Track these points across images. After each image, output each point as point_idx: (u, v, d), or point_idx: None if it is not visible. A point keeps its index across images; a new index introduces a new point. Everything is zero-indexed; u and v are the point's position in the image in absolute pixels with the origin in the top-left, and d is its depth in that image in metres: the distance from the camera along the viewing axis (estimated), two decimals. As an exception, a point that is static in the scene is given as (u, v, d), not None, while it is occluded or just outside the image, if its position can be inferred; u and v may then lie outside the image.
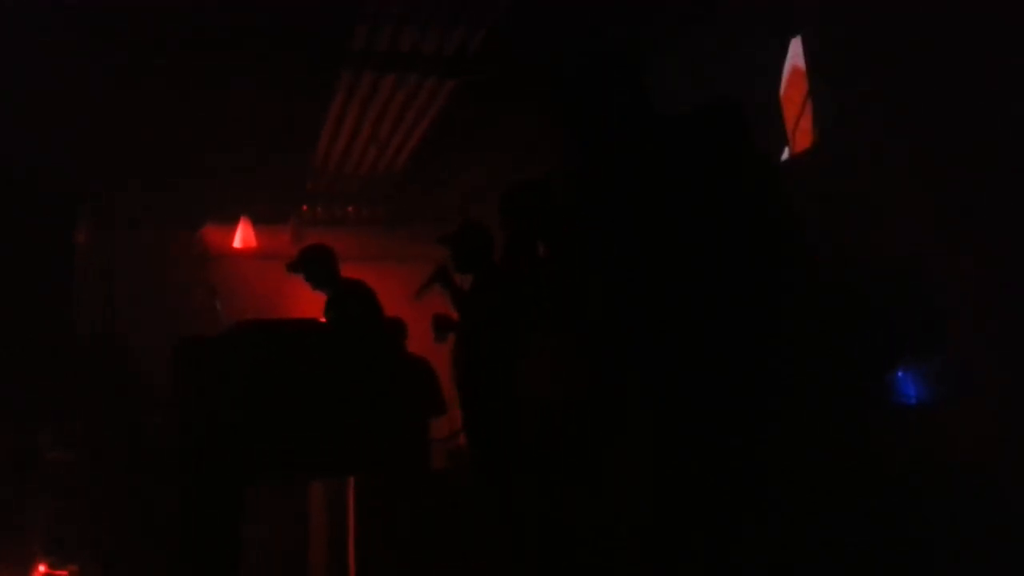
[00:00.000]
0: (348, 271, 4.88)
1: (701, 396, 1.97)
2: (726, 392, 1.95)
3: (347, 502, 3.74)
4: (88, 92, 4.76)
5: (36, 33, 4.15)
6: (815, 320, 2.48)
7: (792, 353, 2.09)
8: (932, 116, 3.29)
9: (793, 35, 4.14)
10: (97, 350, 5.26)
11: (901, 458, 3.08)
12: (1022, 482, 2.80)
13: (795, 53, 4.23)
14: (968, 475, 2.94)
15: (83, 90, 4.71)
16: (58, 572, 4.12)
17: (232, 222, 6.94)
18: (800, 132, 4.20)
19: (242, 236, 6.92)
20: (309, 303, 5.35)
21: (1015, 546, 2.68)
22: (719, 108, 2.15)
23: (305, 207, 7.16)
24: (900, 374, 3.21)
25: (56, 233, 4.21)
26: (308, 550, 4.01)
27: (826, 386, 2.95)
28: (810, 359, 2.40)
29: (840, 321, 3.09)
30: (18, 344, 4.06)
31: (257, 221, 6.98)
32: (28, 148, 4.74)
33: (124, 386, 5.21)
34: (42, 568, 4.08)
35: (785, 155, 4.20)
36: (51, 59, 4.35)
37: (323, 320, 4.65)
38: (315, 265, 4.59)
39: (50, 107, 4.72)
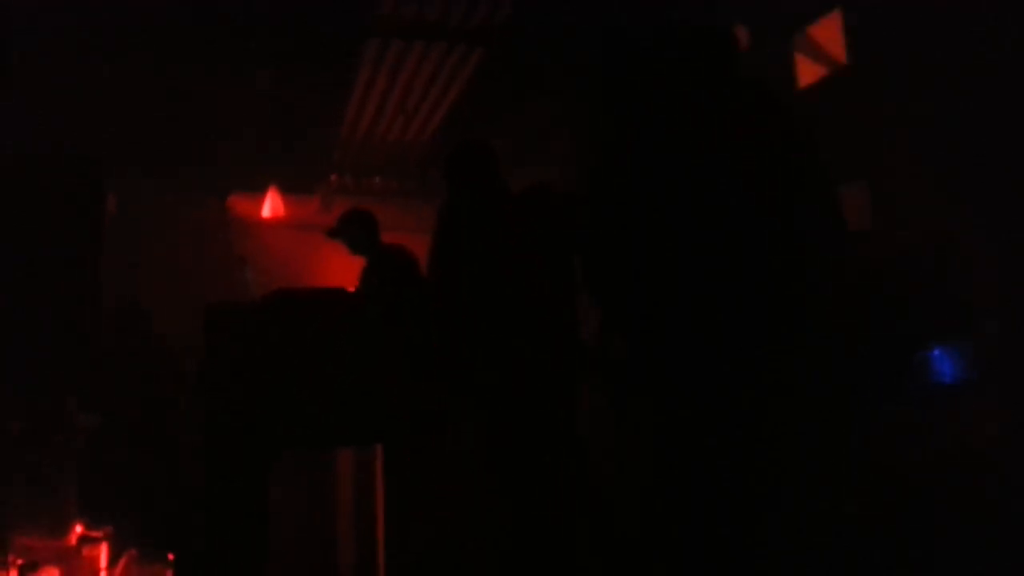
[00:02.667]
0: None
1: (720, 373, 1.93)
2: (748, 369, 1.92)
3: (375, 471, 3.76)
4: (116, 64, 4.76)
5: (62, 11, 4.15)
6: (844, 301, 2.44)
7: (820, 334, 2.05)
8: (966, 95, 3.21)
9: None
10: (123, 316, 5.31)
11: (931, 442, 3.04)
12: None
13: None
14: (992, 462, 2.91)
15: (110, 62, 4.72)
16: (94, 533, 4.20)
17: (261, 191, 6.94)
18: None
19: (271, 205, 6.92)
20: (339, 272, 5.37)
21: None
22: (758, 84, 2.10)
23: (334, 176, 7.15)
24: (936, 353, 3.16)
25: (83, 203, 4.24)
26: (336, 519, 4.05)
27: (853, 368, 2.91)
28: (838, 342, 2.36)
29: (869, 301, 3.04)
30: (44, 311, 4.11)
31: (286, 190, 6.98)
32: (55, 119, 4.76)
33: (150, 352, 5.27)
34: (79, 529, 4.17)
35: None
36: (76, 33, 4.35)
37: (357, 286, 4.63)
38: (355, 228, 4.54)
39: (76, 79, 4.73)
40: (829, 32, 4.13)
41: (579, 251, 2.35)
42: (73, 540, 4.14)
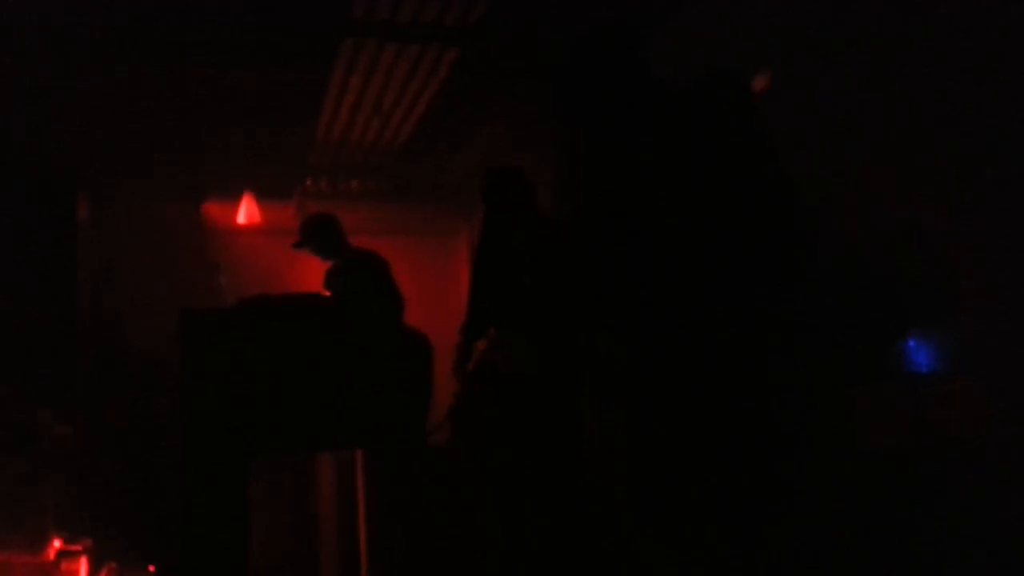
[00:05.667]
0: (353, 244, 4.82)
1: (701, 373, 1.93)
2: (729, 365, 1.92)
3: (355, 477, 3.75)
4: (86, 69, 4.71)
5: (32, 14, 4.10)
6: (820, 292, 2.44)
7: (796, 325, 2.06)
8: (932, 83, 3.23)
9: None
10: (97, 324, 5.26)
11: (907, 432, 3.06)
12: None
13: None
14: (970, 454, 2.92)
15: (81, 68, 4.67)
16: (72, 547, 4.15)
17: (235, 198, 6.89)
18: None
19: (246, 212, 6.87)
20: (315, 278, 5.32)
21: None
22: (720, 79, 2.10)
23: (309, 181, 7.11)
24: (911, 343, 3.18)
25: (57, 210, 4.20)
26: (317, 524, 4.03)
27: (829, 358, 2.92)
28: (815, 331, 2.36)
29: (846, 292, 3.06)
30: (19, 322, 4.06)
31: (261, 196, 6.93)
32: (27, 127, 4.71)
33: (125, 362, 5.23)
34: (57, 544, 4.12)
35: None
36: (46, 38, 4.30)
37: (326, 291, 4.57)
38: (319, 234, 4.50)
39: (47, 86, 4.67)
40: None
41: (570, 255, 2.34)
42: (52, 555, 4.09)
